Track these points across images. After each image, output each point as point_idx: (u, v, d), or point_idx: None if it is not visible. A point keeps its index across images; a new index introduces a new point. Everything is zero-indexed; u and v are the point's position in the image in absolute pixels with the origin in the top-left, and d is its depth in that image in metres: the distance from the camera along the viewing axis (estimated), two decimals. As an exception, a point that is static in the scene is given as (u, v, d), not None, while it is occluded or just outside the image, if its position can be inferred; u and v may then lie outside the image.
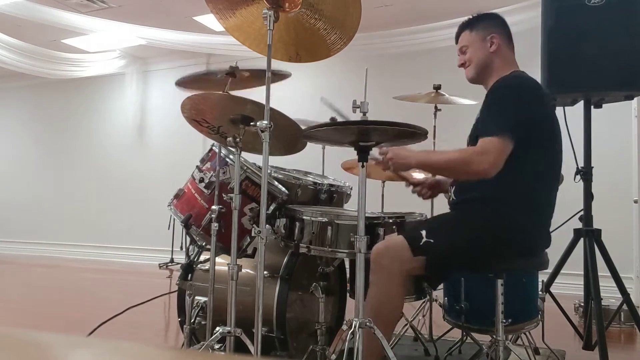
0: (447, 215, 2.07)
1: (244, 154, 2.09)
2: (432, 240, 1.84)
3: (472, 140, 2.01)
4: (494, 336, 1.94)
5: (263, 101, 1.86)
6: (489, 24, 2.08)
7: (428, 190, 2.28)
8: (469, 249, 1.87)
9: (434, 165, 2.01)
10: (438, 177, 2.30)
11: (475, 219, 1.92)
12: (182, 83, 2.38)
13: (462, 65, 2.10)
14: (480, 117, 2.00)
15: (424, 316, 2.84)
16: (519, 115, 1.87)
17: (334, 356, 1.97)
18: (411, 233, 1.91)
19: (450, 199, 2.08)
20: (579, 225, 2.73)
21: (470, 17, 2.12)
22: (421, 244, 1.84)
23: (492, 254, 1.90)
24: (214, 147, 2.26)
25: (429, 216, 2.43)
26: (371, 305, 1.84)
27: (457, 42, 2.13)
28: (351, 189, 2.56)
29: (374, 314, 1.80)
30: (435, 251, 1.83)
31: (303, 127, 2.03)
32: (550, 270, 2.29)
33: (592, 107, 2.78)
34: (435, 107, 3.05)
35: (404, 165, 1.98)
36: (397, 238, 1.91)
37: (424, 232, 1.87)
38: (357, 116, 1.75)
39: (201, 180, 2.22)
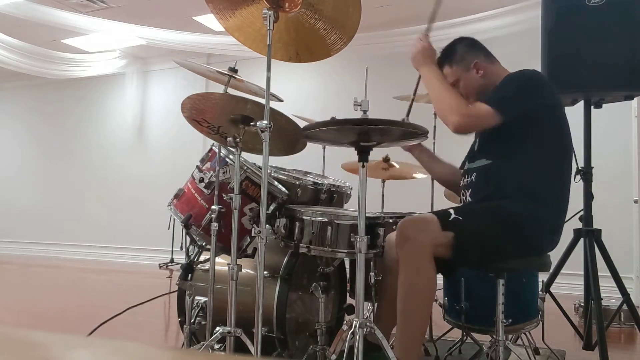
0: (474, 204, 2.04)
1: (244, 154, 2.09)
2: (460, 218, 1.86)
3: (468, 158, 2.05)
4: (494, 336, 1.94)
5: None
6: (464, 52, 2.12)
7: (417, 150, 2.29)
8: (494, 237, 1.87)
9: (430, 86, 2.02)
10: (433, 164, 2.32)
11: (501, 212, 1.91)
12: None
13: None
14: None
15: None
16: (522, 97, 1.91)
17: (334, 356, 1.97)
18: (439, 211, 1.93)
19: (465, 201, 2.06)
20: (579, 225, 2.73)
21: (442, 51, 2.15)
22: (450, 219, 1.85)
23: (508, 248, 1.89)
24: (214, 147, 2.26)
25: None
26: (403, 286, 1.83)
27: None
28: (351, 189, 2.56)
29: (407, 294, 1.81)
30: (463, 229, 1.84)
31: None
32: (550, 270, 2.29)
33: (592, 107, 2.79)
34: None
35: (413, 60, 2.07)
36: (425, 214, 1.93)
37: (452, 211, 1.89)
38: (357, 115, 1.75)
39: (201, 180, 2.22)
